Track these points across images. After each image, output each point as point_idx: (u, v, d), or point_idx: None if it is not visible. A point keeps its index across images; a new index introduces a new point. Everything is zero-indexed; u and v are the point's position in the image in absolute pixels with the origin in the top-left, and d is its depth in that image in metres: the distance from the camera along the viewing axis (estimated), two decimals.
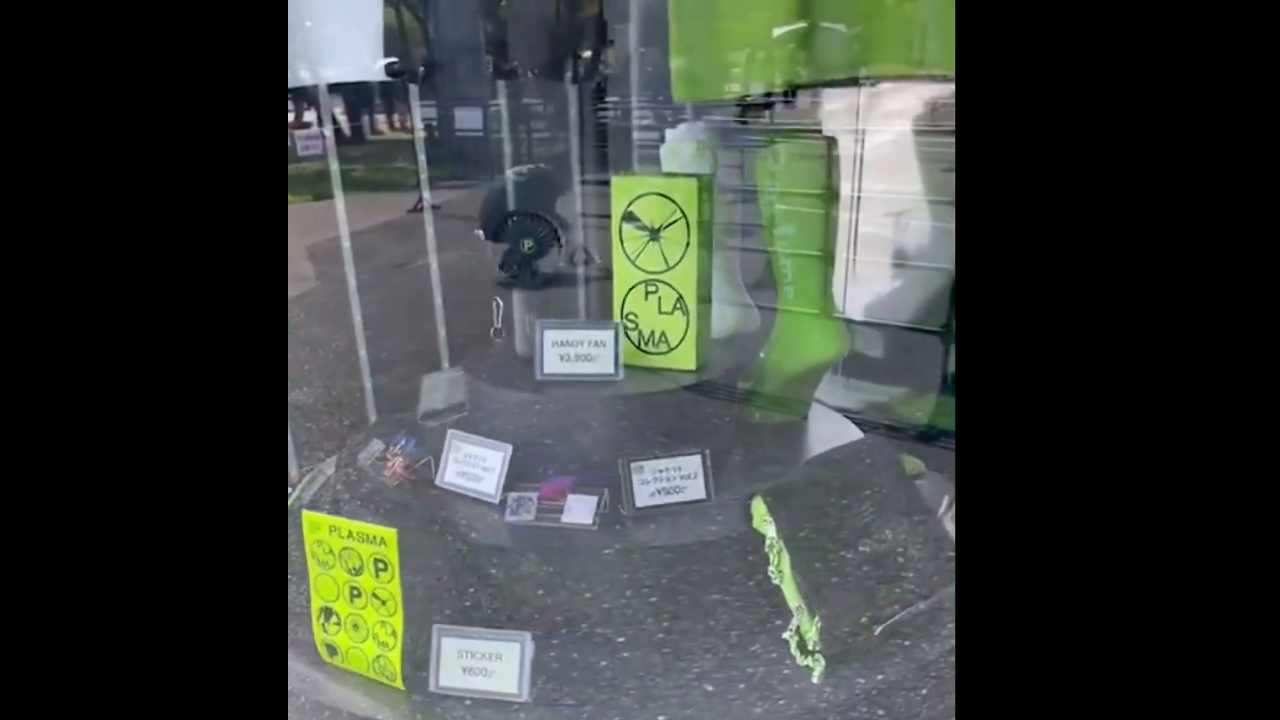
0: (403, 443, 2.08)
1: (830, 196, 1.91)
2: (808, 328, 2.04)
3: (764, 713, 1.49)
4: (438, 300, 2.68)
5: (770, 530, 1.62)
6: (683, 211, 1.89)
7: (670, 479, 1.80)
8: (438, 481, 1.89)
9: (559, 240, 2.20)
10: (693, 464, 1.80)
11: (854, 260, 2.77)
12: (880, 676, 1.56)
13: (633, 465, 1.79)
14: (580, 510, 1.78)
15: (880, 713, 1.52)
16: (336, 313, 2.47)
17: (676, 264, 1.92)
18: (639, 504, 1.78)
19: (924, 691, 1.58)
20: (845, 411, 2.29)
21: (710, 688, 1.54)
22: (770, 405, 2.11)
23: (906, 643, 1.64)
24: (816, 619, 1.55)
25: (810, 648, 1.56)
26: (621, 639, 1.63)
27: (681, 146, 2.13)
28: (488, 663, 1.54)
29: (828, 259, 1.96)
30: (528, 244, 2.17)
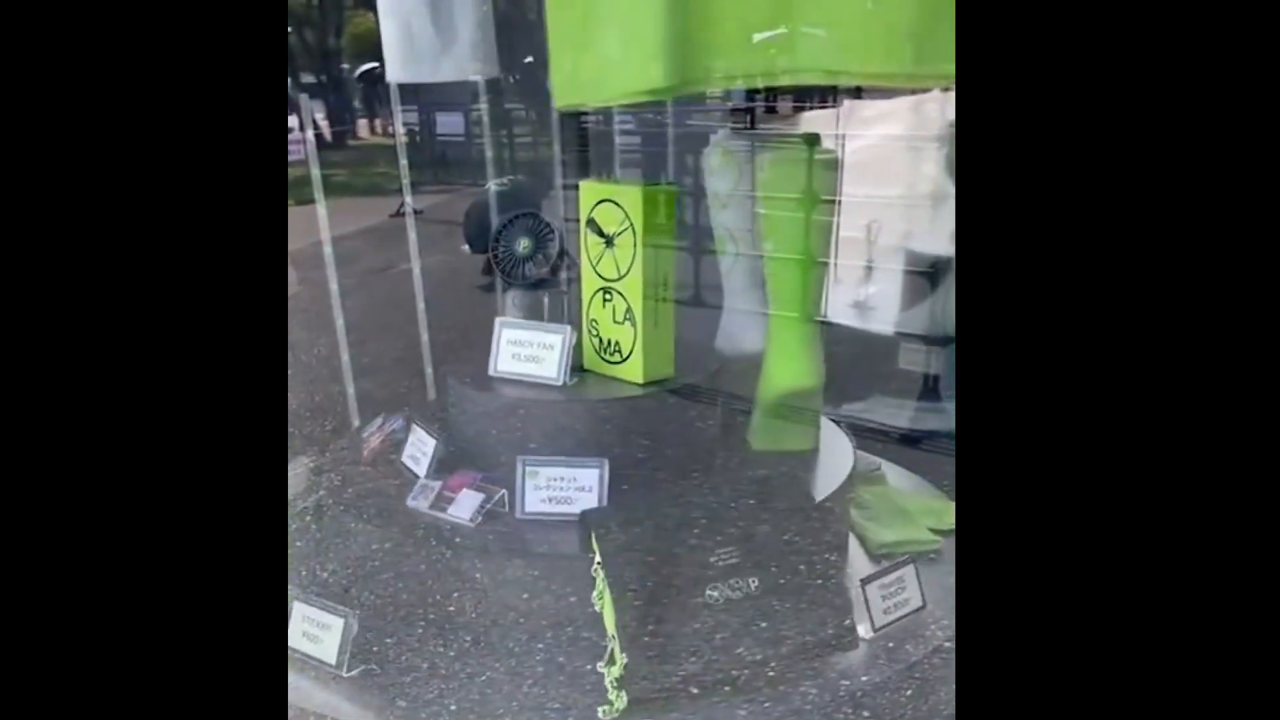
0: (394, 422, 2.21)
1: (813, 202, 1.89)
2: (783, 358, 1.99)
3: (749, 714, 1.49)
4: (420, 305, 2.68)
5: (597, 555, 1.58)
6: (630, 221, 1.87)
7: (564, 489, 1.76)
8: (401, 459, 2.04)
9: (552, 242, 2.22)
10: (590, 477, 1.75)
11: (836, 264, 2.78)
12: (864, 678, 1.56)
13: (529, 468, 1.76)
14: (465, 505, 1.80)
15: (865, 714, 1.53)
16: (319, 318, 2.47)
17: (626, 273, 1.91)
18: (527, 509, 1.76)
19: (908, 693, 1.58)
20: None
21: (696, 690, 1.54)
22: (766, 420, 2.07)
23: (890, 644, 1.64)
24: (623, 655, 1.51)
25: (611, 682, 1.52)
26: (607, 642, 1.63)
27: (711, 155, 2.11)
28: (319, 631, 1.65)
29: (811, 264, 1.94)
30: (524, 243, 2.17)
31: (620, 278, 1.92)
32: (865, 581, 1.65)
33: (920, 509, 2.05)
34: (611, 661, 1.53)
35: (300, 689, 1.60)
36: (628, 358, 1.95)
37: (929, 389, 3.07)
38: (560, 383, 1.92)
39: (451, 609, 1.73)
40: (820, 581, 1.64)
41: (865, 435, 2.27)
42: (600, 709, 1.49)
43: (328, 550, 1.93)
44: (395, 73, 2.32)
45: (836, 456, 2.09)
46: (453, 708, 1.53)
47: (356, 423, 2.54)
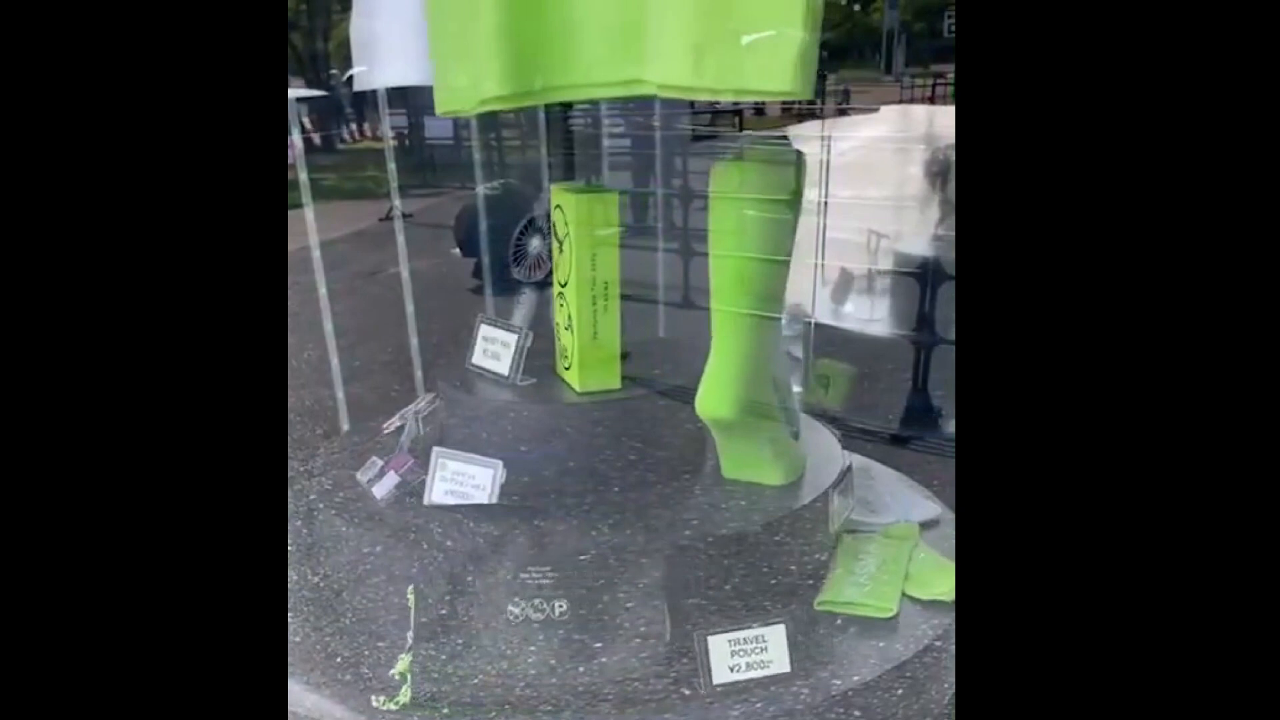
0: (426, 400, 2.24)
1: (762, 202, 1.76)
2: (710, 371, 1.83)
3: (741, 715, 1.49)
4: (409, 308, 2.68)
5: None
6: (569, 227, 1.85)
7: (462, 483, 1.85)
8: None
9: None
10: (485, 475, 1.83)
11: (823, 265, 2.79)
12: (856, 678, 1.57)
13: (440, 460, 1.85)
14: (384, 485, 1.93)
15: (856, 714, 1.53)
16: (308, 322, 2.46)
17: (568, 280, 1.90)
18: (433, 498, 1.85)
19: (899, 692, 1.59)
20: None
21: (687, 691, 1.54)
22: (724, 444, 1.95)
23: (881, 644, 1.65)
24: (410, 653, 1.57)
25: (397, 674, 1.57)
26: (598, 644, 1.63)
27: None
28: None
29: (755, 264, 1.78)
30: (535, 243, 2.19)
31: (566, 284, 1.92)
32: (710, 633, 1.58)
33: (927, 571, 1.87)
34: (407, 653, 1.58)
35: (291, 693, 1.60)
36: (571, 364, 1.95)
37: (919, 389, 3.09)
38: (510, 381, 1.98)
39: (444, 612, 1.72)
40: (638, 624, 1.62)
41: (854, 436, 2.27)
42: (375, 697, 1.54)
43: (319, 554, 1.93)
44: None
45: (821, 462, 2.02)
46: (445, 711, 1.53)
47: (346, 426, 2.54)
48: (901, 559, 1.89)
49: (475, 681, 1.58)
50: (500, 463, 1.84)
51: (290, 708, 1.56)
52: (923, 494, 2.21)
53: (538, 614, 1.62)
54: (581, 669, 1.59)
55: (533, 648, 1.62)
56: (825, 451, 2.07)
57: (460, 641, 1.64)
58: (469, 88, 1.62)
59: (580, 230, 1.84)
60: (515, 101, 1.61)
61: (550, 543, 1.71)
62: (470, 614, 1.65)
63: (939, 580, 1.82)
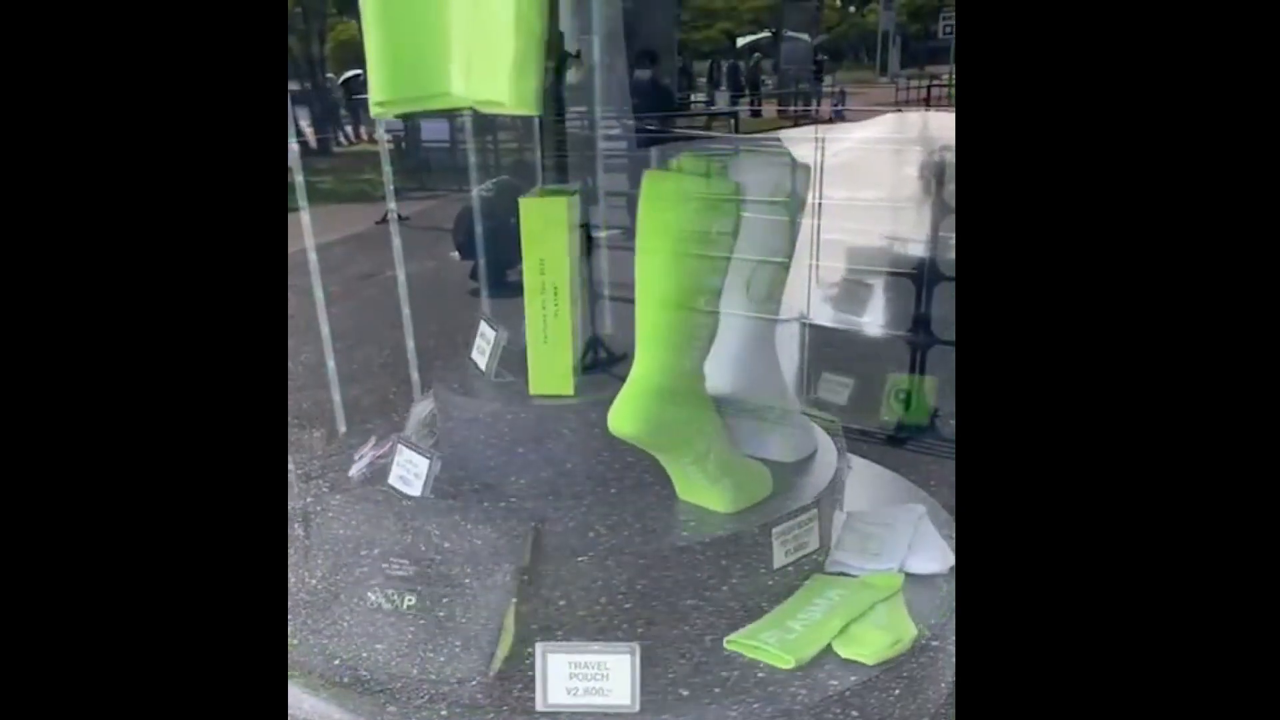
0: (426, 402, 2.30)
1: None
2: (619, 395, 1.76)
3: (739, 716, 1.50)
4: (406, 311, 2.68)
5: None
6: (529, 234, 1.85)
7: (407, 470, 1.92)
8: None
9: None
10: (421, 464, 1.91)
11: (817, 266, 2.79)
12: (854, 678, 1.57)
13: (402, 446, 1.93)
14: (357, 467, 2.04)
15: (854, 714, 1.54)
16: (305, 325, 2.47)
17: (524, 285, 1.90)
18: (389, 481, 1.94)
19: (896, 692, 1.59)
20: None
21: (685, 692, 1.54)
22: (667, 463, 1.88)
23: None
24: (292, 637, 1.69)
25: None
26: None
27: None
28: None
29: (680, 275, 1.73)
30: None
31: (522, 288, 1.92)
32: (550, 650, 1.53)
33: (865, 628, 1.68)
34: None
35: (290, 695, 1.60)
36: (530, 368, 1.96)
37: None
38: (486, 376, 2.05)
39: (441, 614, 1.73)
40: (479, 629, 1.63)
41: (851, 436, 2.27)
42: None
43: (316, 557, 1.93)
44: None
45: (820, 464, 2.01)
46: (443, 713, 1.53)
47: (343, 429, 2.54)
48: (854, 611, 1.71)
49: (335, 662, 1.66)
50: (435, 455, 1.89)
51: (290, 711, 1.56)
52: (948, 537, 1.97)
53: (389, 604, 1.67)
54: (417, 665, 1.62)
55: (380, 641, 1.67)
56: (826, 463, 2.05)
57: (328, 621, 1.72)
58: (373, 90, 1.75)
59: (527, 233, 1.83)
60: (400, 106, 1.75)
61: (418, 537, 1.76)
62: (342, 596, 1.74)
63: (867, 641, 1.63)
